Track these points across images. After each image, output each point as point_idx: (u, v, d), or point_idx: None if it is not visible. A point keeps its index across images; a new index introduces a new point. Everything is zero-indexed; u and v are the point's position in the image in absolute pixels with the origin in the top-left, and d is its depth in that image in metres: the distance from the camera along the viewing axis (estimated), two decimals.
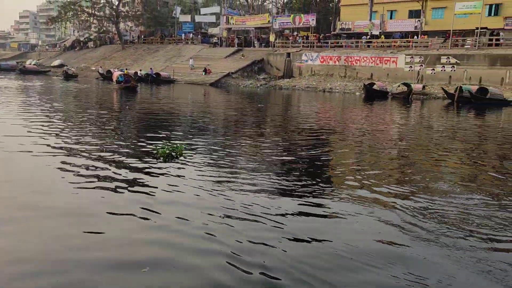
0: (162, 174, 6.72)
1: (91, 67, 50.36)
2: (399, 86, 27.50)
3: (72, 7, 56.23)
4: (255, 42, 45.94)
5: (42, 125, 11.46)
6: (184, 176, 6.58)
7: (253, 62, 41.14)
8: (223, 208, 5.28)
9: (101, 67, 45.10)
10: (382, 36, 37.26)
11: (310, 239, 4.53)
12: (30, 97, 20.80)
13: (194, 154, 8.04)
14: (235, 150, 8.91)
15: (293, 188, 6.26)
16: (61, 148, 8.71)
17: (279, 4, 52.69)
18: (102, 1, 57.04)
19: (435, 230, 4.88)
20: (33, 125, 11.40)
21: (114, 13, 56.80)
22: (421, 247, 4.48)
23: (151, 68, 40.64)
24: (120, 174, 6.70)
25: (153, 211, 5.16)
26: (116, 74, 27.22)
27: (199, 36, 51.79)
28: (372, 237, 4.70)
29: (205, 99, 26.16)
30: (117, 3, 57.11)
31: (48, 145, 8.86)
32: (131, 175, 6.68)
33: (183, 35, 53.25)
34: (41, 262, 3.95)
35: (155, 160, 7.46)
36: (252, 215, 5.10)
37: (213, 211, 5.19)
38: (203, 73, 40.00)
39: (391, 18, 39.51)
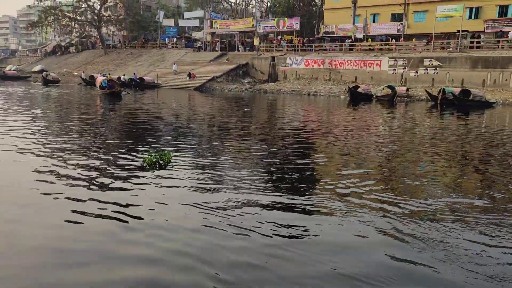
0: (148, 184, 6.45)
1: (73, 72, 49.61)
2: (383, 89, 27.72)
3: (53, 11, 55.31)
4: (240, 46, 45.90)
5: (19, 134, 11.09)
6: (171, 186, 6.34)
7: (238, 66, 41.11)
8: (210, 223, 5.05)
9: (83, 72, 44.44)
10: (370, 39, 37.57)
11: (301, 255, 4.42)
12: (8, 103, 20.24)
13: (183, 161, 7.79)
14: (224, 156, 8.75)
15: (284, 197, 6.14)
16: (37, 156, 8.41)
17: (263, 8, 52.76)
18: (83, 6, 56.23)
19: (433, 238, 4.83)
20: (9, 134, 11.03)
21: (96, 18, 56.05)
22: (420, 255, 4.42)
23: (134, 73, 40.21)
24: (102, 184, 6.42)
25: (136, 225, 4.94)
26: (100, 79, 26.70)
27: (183, 40, 51.52)
28: (359, 244, 4.63)
29: (190, 104, 25.94)
30: (98, 7, 56.39)
31: (23, 153, 8.57)
32: (114, 185, 6.40)
33: (166, 39, 52.88)
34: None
35: (142, 168, 7.20)
36: (240, 228, 4.88)
37: (199, 226, 4.96)
38: (188, 77, 39.76)
39: (374, 21, 39.93)
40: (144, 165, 7.21)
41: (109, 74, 37.18)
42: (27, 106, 19.35)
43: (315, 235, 4.80)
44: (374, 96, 27.67)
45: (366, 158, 9.33)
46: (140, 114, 17.75)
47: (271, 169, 7.78)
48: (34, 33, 79.77)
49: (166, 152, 7.49)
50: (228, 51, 45.58)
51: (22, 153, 8.65)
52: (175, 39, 52.19)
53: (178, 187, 6.33)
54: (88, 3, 55.70)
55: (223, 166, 7.78)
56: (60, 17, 56.12)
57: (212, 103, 26.58)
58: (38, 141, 10.02)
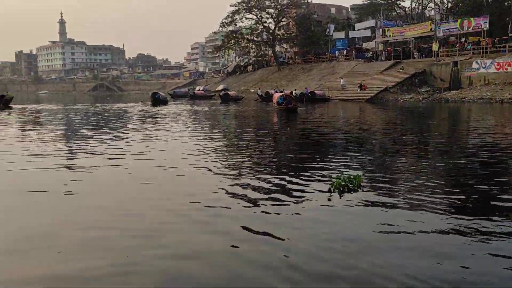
0: (338, 212, 5.86)
1: (250, 89, 53.56)
2: None
3: (234, 35, 61.23)
4: (415, 53, 42.96)
5: (203, 146, 11.88)
6: (361, 214, 5.69)
7: (413, 74, 38.58)
8: (406, 259, 4.30)
9: (259, 89, 47.45)
10: None
11: None
12: (195, 120, 22.42)
13: (373, 185, 7.03)
14: (418, 179, 7.62)
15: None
16: (218, 168, 8.78)
17: (442, 10, 48.32)
18: (260, 27, 60.66)
19: None
20: (195, 147, 11.89)
21: (270, 37, 59.84)
22: None
23: (306, 88, 41.15)
24: (283, 207, 6.07)
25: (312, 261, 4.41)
26: (276, 95, 27.84)
27: (353, 52, 50.86)
28: None
29: (365, 117, 25.08)
30: (273, 27, 60.03)
31: (208, 165, 9.06)
32: (296, 210, 5.96)
33: (336, 52, 53.02)
34: None
35: (329, 192, 6.67)
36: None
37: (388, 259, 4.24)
38: (358, 89, 38.95)
39: None
40: (332, 188, 6.77)
41: (282, 90, 38.87)
42: (209, 122, 21.23)
43: None
44: None
45: None
46: (317, 130, 17.66)
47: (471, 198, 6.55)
48: (218, 56, 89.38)
49: (356, 175, 6.91)
50: (402, 59, 43.17)
51: (205, 165, 9.13)
52: (345, 51, 51.92)
53: (368, 215, 5.68)
54: (264, 24, 59.87)
55: (416, 193, 6.79)
56: (240, 40, 61.69)
57: (388, 115, 25.15)
58: (220, 154, 10.54)
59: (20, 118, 24.74)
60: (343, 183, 6.66)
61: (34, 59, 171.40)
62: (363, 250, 4.54)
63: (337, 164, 9.08)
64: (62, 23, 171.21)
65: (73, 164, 9.48)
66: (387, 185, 7.10)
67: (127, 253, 4.53)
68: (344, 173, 7.28)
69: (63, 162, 9.74)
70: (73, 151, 11.80)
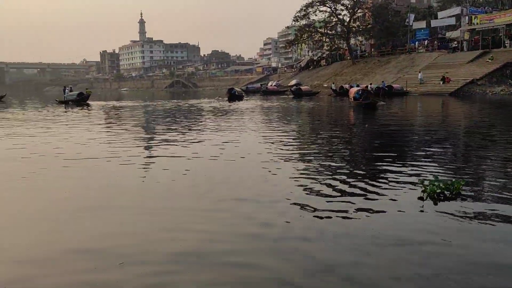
0: (437, 225, 5.05)
1: (323, 84, 52.40)
2: None
3: (307, 29, 60.10)
4: (506, 42, 39.27)
5: (274, 143, 11.58)
6: (470, 233, 4.85)
7: (504, 65, 35.46)
8: None
9: (333, 83, 46.20)
10: None
11: None
12: (269, 116, 22.06)
13: (474, 193, 6.09)
14: None
15: None
16: (291, 166, 8.52)
17: None
18: (334, 20, 58.97)
19: None
20: (266, 143, 11.69)
21: (345, 30, 57.96)
22: None
23: (383, 81, 39.37)
24: (366, 217, 5.45)
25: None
26: (353, 90, 26.61)
27: (435, 42, 47.66)
28: None
29: (450, 112, 23.29)
30: (348, 19, 58.08)
31: (279, 159, 8.76)
32: (381, 220, 5.35)
33: (416, 43, 50.09)
34: None
35: (421, 200, 5.87)
36: None
37: None
38: (441, 82, 36.54)
39: None
40: (424, 196, 5.96)
41: (356, 84, 37.40)
42: (283, 118, 20.71)
43: None
44: None
45: None
46: (398, 126, 16.47)
47: None
48: (290, 51, 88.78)
49: (455, 181, 6.09)
50: (491, 48, 39.69)
51: (279, 161, 8.91)
52: (426, 42, 48.86)
53: (474, 230, 4.93)
54: (339, 17, 58.13)
55: None
56: (313, 34, 60.50)
57: (477, 109, 23.12)
58: (295, 153, 10.04)
59: (101, 114, 26.12)
60: (438, 190, 5.89)
61: (116, 58, 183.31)
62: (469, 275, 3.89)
63: (425, 167, 8.15)
64: (141, 23, 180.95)
65: (156, 155, 9.64)
66: (490, 194, 6.16)
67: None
68: (438, 178, 6.42)
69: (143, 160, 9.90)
70: (158, 146, 12.06)
